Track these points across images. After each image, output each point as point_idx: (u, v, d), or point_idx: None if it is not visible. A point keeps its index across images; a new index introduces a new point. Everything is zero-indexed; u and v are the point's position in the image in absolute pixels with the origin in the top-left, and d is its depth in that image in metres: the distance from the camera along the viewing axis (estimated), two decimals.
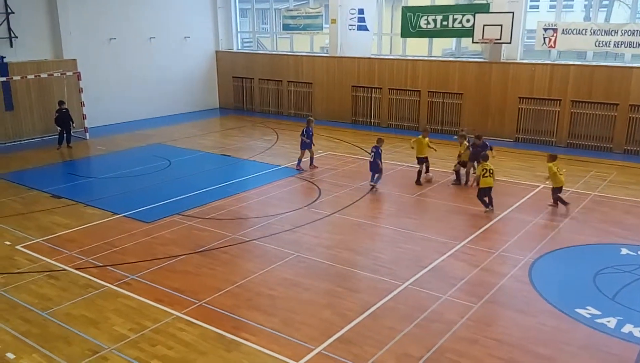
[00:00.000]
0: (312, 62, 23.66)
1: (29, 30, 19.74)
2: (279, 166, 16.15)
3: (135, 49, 23.07)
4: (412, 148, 14.46)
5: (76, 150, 18.61)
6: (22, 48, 19.53)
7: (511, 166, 15.97)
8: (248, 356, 7.10)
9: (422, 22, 20.10)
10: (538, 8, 25.60)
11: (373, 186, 13.84)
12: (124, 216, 12.19)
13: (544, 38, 17.82)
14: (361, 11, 21.68)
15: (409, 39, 21.42)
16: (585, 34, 17.21)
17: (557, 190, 12.39)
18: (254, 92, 25.73)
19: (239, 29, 26.99)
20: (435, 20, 19.83)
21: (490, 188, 12.21)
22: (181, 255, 10.16)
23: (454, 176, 14.43)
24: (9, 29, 19.17)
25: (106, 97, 21.99)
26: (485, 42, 18.80)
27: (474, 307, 8.21)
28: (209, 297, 8.58)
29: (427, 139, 14.30)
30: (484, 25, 18.34)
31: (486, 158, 12.49)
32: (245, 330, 7.67)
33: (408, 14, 20.37)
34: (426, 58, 21.15)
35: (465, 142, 14.22)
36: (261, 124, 22.79)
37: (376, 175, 13.86)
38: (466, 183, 14.07)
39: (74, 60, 20.68)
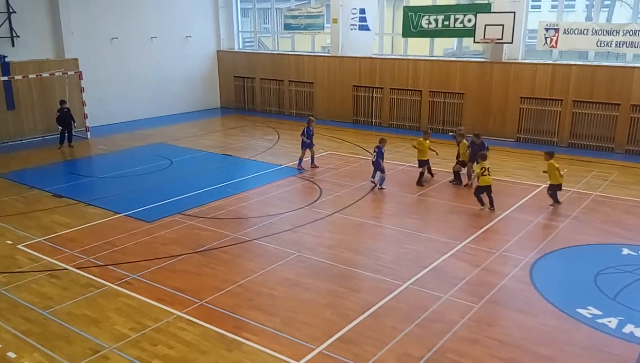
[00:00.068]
0: (313, 62, 23.65)
1: (31, 29, 19.76)
2: (280, 165, 16.16)
3: (136, 49, 23.09)
4: (414, 147, 14.44)
5: (77, 149, 18.63)
6: (23, 47, 19.55)
7: (512, 166, 15.96)
8: (249, 356, 7.10)
9: (424, 22, 20.09)
10: (539, 8, 25.61)
11: (374, 183, 13.86)
12: (125, 215, 12.20)
13: (546, 38, 17.80)
14: (362, 11, 21.67)
15: (410, 39, 21.40)
16: (587, 34, 17.19)
17: (555, 187, 12.39)
18: (255, 92, 25.73)
19: (240, 29, 26.99)
20: (436, 20, 19.83)
21: (489, 187, 12.23)
22: (182, 255, 10.16)
23: (452, 176, 14.42)
24: (11, 29, 19.19)
25: (108, 97, 22.01)
26: (487, 42, 18.79)
27: (475, 307, 8.21)
28: (210, 297, 8.58)
29: (428, 141, 14.29)
30: (486, 25, 18.33)
31: (484, 157, 12.50)
32: (246, 330, 7.68)
33: (409, 13, 20.37)
34: (427, 58, 21.13)
35: (465, 141, 14.19)
36: (262, 124, 22.80)
37: (379, 174, 13.87)
38: (466, 184, 14.03)
39: (76, 59, 20.69)
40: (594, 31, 17.08)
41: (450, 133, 16.07)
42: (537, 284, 8.92)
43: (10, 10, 19.03)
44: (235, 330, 7.66)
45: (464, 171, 14.31)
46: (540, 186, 13.82)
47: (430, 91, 20.59)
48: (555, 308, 8.21)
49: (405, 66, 21.07)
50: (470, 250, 10.24)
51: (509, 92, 19.02)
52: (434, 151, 14.43)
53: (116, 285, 9.02)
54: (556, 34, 17.60)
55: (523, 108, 18.85)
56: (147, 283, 9.06)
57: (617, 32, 16.73)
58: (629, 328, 7.64)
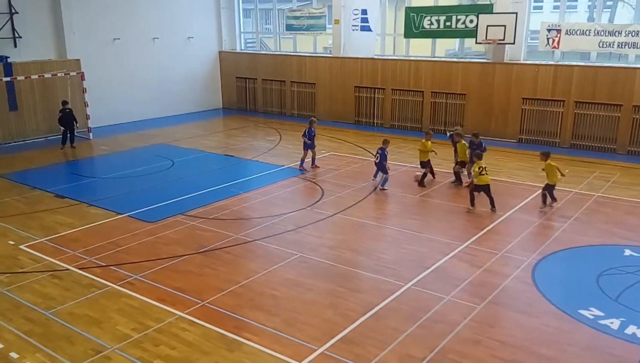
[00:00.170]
0: (315, 62, 23.67)
1: (33, 30, 19.79)
2: (282, 166, 16.17)
3: (138, 50, 23.12)
4: (420, 150, 14.40)
5: (80, 150, 18.66)
6: (26, 48, 19.58)
7: (514, 166, 15.95)
8: (250, 356, 7.11)
9: (426, 23, 20.08)
10: (542, 9, 25.60)
11: (377, 186, 13.87)
12: (127, 216, 12.21)
13: (548, 39, 17.78)
14: (364, 12, 21.67)
15: (412, 40, 21.40)
16: (589, 35, 17.17)
17: (550, 187, 12.37)
18: (257, 93, 25.75)
19: (242, 30, 27.02)
20: (438, 21, 19.82)
21: (488, 186, 12.22)
22: (184, 255, 10.17)
23: (453, 177, 14.42)
24: (13, 29, 19.22)
25: (110, 98, 22.04)
26: (489, 43, 18.78)
27: (477, 308, 8.20)
28: (212, 297, 8.59)
29: (429, 142, 14.28)
30: (488, 26, 18.33)
31: (479, 157, 12.51)
32: (247, 330, 7.68)
33: (411, 14, 20.37)
34: (429, 59, 21.13)
35: (464, 141, 14.17)
36: (264, 125, 22.81)
37: (382, 175, 13.88)
38: (468, 184, 14.03)
39: (78, 60, 20.72)
40: (596, 32, 17.06)
41: (448, 134, 16.03)
42: (539, 285, 8.91)
43: (13, 11, 19.06)
44: (237, 331, 7.66)
45: (464, 171, 14.30)
46: (542, 186, 13.77)
47: (432, 92, 20.59)
48: (557, 309, 8.20)
49: (407, 66, 21.06)
50: (472, 251, 10.24)
51: (511, 93, 19.01)
52: (433, 151, 14.41)
53: (118, 285, 9.03)
54: (558, 35, 17.59)
55: (525, 109, 18.84)
56: (149, 284, 9.07)
57: (619, 33, 16.72)
58: (631, 329, 7.63)
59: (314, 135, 15.66)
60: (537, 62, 18.88)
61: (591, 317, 7.96)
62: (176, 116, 24.53)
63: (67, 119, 18.45)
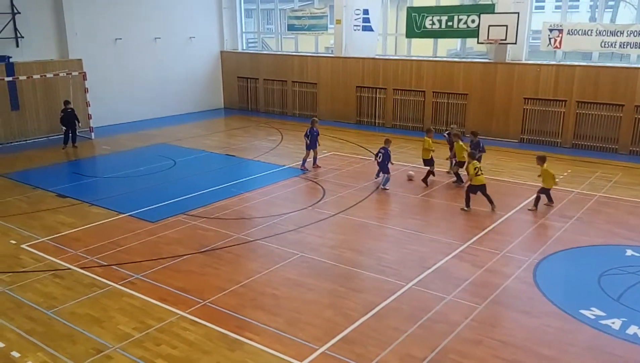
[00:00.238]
0: (316, 62, 23.67)
1: (35, 30, 19.83)
2: (283, 166, 16.17)
3: (140, 50, 23.14)
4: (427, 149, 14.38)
5: (81, 150, 18.68)
6: (28, 48, 19.62)
7: (516, 166, 15.94)
8: (252, 356, 7.11)
9: (427, 23, 20.08)
10: (543, 9, 25.57)
11: (379, 186, 13.87)
12: (128, 215, 12.23)
13: (550, 39, 17.77)
14: (366, 12, 21.66)
15: (413, 40, 21.39)
16: (591, 35, 17.16)
17: (544, 190, 12.36)
18: (259, 93, 25.76)
19: (243, 30, 27.03)
20: (440, 21, 19.82)
21: (484, 186, 12.26)
22: (185, 255, 10.18)
23: (454, 177, 14.42)
24: (15, 29, 19.25)
25: (111, 97, 22.07)
26: (491, 43, 18.78)
27: (478, 308, 8.20)
28: (213, 297, 8.59)
29: (430, 140, 14.29)
30: (489, 26, 18.32)
31: (473, 156, 12.53)
32: (249, 330, 7.69)
33: (413, 14, 20.36)
34: (431, 58, 21.13)
35: (461, 142, 14.15)
36: (266, 125, 22.82)
37: (383, 175, 13.89)
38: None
39: (80, 60, 20.75)
40: (597, 32, 17.05)
41: (445, 133, 15.98)
42: (541, 285, 8.90)
43: (15, 11, 19.10)
44: (238, 330, 7.67)
45: (463, 171, 14.29)
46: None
47: (433, 92, 20.58)
48: (559, 309, 8.19)
49: (409, 66, 21.06)
50: (473, 251, 10.23)
51: (512, 93, 19.00)
52: (432, 149, 14.37)
53: (120, 285, 9.05)
54: (560, 35, 17.58)
55: (527, 109, 18.83)
56: (150, 283, 9.08)
57: (621, 33, 16.70)
58: (632, 330, 7.62)
59: (317, 135, 15.65)
60: (538, 62, 18.87)
61: (592, 317, 7.95)
62: (177, 116, 24.55)
63: (69, 118, 18.47)
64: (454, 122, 19.98)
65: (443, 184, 14.36)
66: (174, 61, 24.37)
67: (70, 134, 18.67)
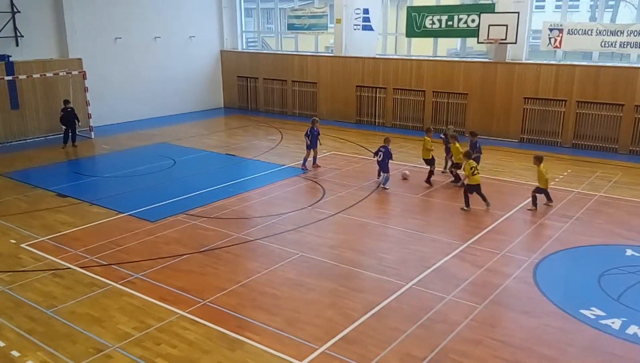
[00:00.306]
0: (316, 62, 23.66)
1: (35, 29, 19.82)
2: (283, 165, 16.17)
3: (140, 49, 23.14)
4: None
5: (81, 149, 18.67)
6: (27, 47, 19.60)
7: (516, 166, 15.93)
8: (252, 355, 7.11)
9: (427, 22, 20.07)
10: (543, 8, 25.56)
11: (380, 185, 13.88)
12: (128, 215, 12.22)
13: (550, 38, 17.76)
14: (366, 11, 21.66)
15: (413, 39, 21.39)
16: (591, 35, 17.15)
17: (540, 190, 12.36)
18: (259, 92, 25.75)
19: (243, 29, 27.02)
20: (440, 20, 19.81)
21: (479, 185, 12.32)
22: (185, 254, 10.18)
23: (452, 177, 14.43)
24: (15, 28, 19.24)
25: (111, 97, 22.06)
26: (491, 43, 18.77)
27: (478, 308, 8.20)
28: (213, 296, 8.59)
29: (430, 139, 14.27)
30: (489, 26, 18.31)
31: (469, 155, 12.54)
32: (249, 330, 7.68)
33: (413, 14, 20.35)
34: (431, 58, 21.13)
35: (457, 143, 14.14)
36: (265, 124, 22.81)
37: (385, 175, 13.89)
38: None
39: (80, 59, 20.75)
40: (598, 32, 17.04)
41: (441, 135, 15.94)
42: (541, 285, 8.90)
43: (15, 10, 19.08)
44: (238, 330, 7.66)
45: (461, 171, 14.28)
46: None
47: (433, 91, 20.58)
48: (559, 309, 8.19)
49: (409, 66, 21.06)
50: (474, 251, 10.23)
51: (512, 92, 19.00)
52: (430, 148, 14.36)
53: (119, 284, 9.04)
54: (560, 35, 17.57)
55: (527, 109, 18.83)
56: (150, 283, 9.08)
57: (621, 33, 16.69)
58: (632, 330, 7.62)
59: (318, 134, 15.65)
60: (539, 61, 18.87)
61: (592, 317, 7.95)
62: (177, 115, 24.55)
63: (69, 118, 18.46)
64: (454, 122, 19.99)
65: (443, 184, 14.36)
66: (174, 61, 24.36)
67: (70, 134, 18.66)
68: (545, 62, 18.75)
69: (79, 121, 18.88)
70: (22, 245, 10.67)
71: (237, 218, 12.09)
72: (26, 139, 19.67)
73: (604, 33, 16.95)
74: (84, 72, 20.13)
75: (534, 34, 19.42)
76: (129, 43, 22.62)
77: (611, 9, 21.19)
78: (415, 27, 20.39)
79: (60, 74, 19.67)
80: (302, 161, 15.78)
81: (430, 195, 13.53)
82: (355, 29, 22.16)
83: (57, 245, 10.67)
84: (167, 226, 11.52)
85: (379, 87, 21.90)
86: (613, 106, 17.33)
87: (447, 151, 14.77)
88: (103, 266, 9.73)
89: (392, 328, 7.67)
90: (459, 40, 21.89)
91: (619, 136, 17.41)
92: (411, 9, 20.52)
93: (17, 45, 19.35)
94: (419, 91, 20.91)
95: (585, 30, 17.27)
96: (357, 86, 22.48)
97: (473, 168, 12.23)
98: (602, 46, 17.17)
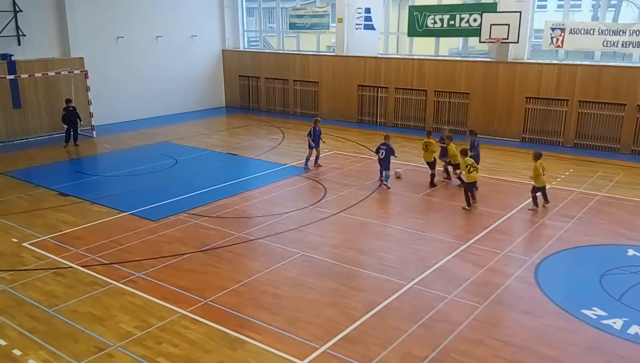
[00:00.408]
0: (318, 61, 23.66)
1: (37, 28, 19.84)
2: (285, 165, 16.17)
3: (142, 48, 23.15)
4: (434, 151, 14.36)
5: (83, 148, 18.69)
6: (29, 46, 19.62)
7: (518, 166, 15.91)
8: (253, 354, 7.11)
9: (429, 22, 20.05)
10: (545, 8, 25.47)
11: (382, 182, 13.89)
12: (130, 214, 12.23)
13: (552, 38, 17.74)
14: (368, 10, 21.65)
15: (415, 39, 21.38)
16: (593, 34, 17.12)
17: (537, 189, 12.33)
18: (260, 91, 25.75)
19: (245, 28, 27.01)
20: (442, 20, 19.79)
21: (475, 183, 12.35)
22: (187, 253, 10.19)
23: (445, 174, 14.49)
24: (17, 27, 19.26)
25: (113, 96, 22.08)
26: (493, 42, 18.75)
27: (479, 308, 8.20)
28: (215, 295, 8.60)
29: (434, 142, 14.24)
30: (491, 25, 18.30)
31: (465, 153, 12.53)
32: (250, 329, 7.69)
33: (415, 13, 20.33)
34: (433, 58, 21.11)
35: (453, 144, 14.14)
36: (267, 123, 22.82)
37: (385, 172, 13.90)
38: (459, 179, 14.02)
39: (81, 58, 20.77)
40: (600, 31, 17.01)
41: (440, 136, 15.92)
42: (542, 285, 8.89)
43: (17, 9, 19.10)
44: (240, 329, 7.67)
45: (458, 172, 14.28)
46: (545, 186, 13.75)
47: (435, 91, 20.56)
48: (560, 308, 8.19)
49: (411, 65, 21.04)
50: (475, 250, 10.22)
51: (514, 92, 18.97)
52: (428, 149, 14.33)
53: (121, 283, 9.05)
54: (562, 34, 17.55)
55: (529, 108, 18.80)
56: (151, 282, 9.09)
57: (623, 32, 16.67)
58: (634, 330, 7.62)
59: (320, 134, 15.66)
60: (540, 61, 18.84)
61: (594, 317, 7.95)
62: (179, 115, 24.56)
63: (71, 117, 18.48)
64: (456, 121, 20.03)
65: (443, 183, 14.36)
66: (175, 60, 24.37)
67: (72, 133, 18.68)
68: (547, 61, 18.73)
69: (80, 120, 18.90)
70: (24, 244, 10.69)
71: (239, 217, 12.10)
72: (28, 138, 19.70)
73: (606, 33, 16.92)
74: (86, 71, 20.15)
75: (536, 33, 19.39)
76: (130, 42, 22.63)
77: (613, 9, 21.13)
78: (417, 26, 20.37)
79: (62, 73, 19.70)
80: (304, 161, 15.78)
81: (431, 195, 13.53)
82: (357, 29, 22.15)
83: (59, 243, 10.69)
84: (169, 225, 11.53)
85: (381, 87, 21.89)
86: (615, 105, 17.30)
87: (443, 151, 14.68)
88: (105, 265, 9.75)
89: (393, 328, 7.67)
90: (460, 39, 21.87)
91: (621, 136, 17.39)
92: (413, 8, 20.51)
93: (19, 44, 19.38)
94: (421, 90, 20.90)
95: (587, 29, 17.25)
96: (358, 86, 22.47)
97: (469, 166, 12.23)
98: (604, 46, 17.14)
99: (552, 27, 17.71)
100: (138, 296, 8.60)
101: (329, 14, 23.03)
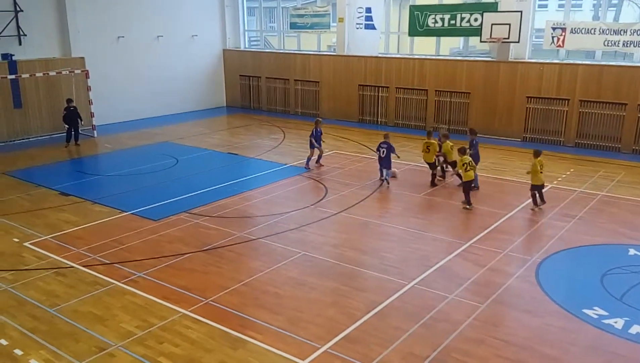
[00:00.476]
0: (319, 60, 23.65)
1: (38, 28, 19.85)
2: (286, 164, 16.17)
3: (143, 48, 23.16)
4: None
5: (84, 148, 18.70)
6: (30, 46, 19.63)
7: (518, 165, 15.88)
8: (254, 354, 7.11)
9: (430, 21, 20.04)
10: (546, 7, 25.45)
11: (383, 181, 13.89)
12: (131, 213, 12.24)
13: (553, 37, 17.73)
14: (369, 10, 21.65)
15: (416, 38, 21.38)
16: (594, 34, 17.12)
17: (535, 187, 12.30)
18: (261, 91, 25.75)
19: (246, 28, 27.02)
20: (443, 19, 19.78)
21: (471, 182, 12.36)
22: (188, 253, 10.19)
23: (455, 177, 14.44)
24: (18, 27, 19.28)
25: (114, 96, 22.09)
26: (493, 42, 18.74)
27: (480, 307, 8.19)
28: (216, 295, 8.60)
29: (435, 142, 14.22)
30: (492, 24, 18.29)
31: (464, 151, 12.52)
32: (251, 329, 7.69)
33: (416, 12, 20.33)
34: (434, 57, 21.10)
35: (449, 142, 14.12)
36: (268, 123, 22.82)
37: (385, 171, 13.90)
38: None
39: (82, 58, 20.78)
40: (601, 31, 17.00)
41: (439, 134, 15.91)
42: (543, 284, 8.89)
43: (18, 9, 19.11)
44: (241, 329, 7.67)
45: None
46: (547, 186, 13.74)
47: (436, 90, 20.55)
48: (561, 308, 8.18)
49: (411, 65, 21.04)
50: (476, 250, 10.22)
51: (515, 91, 18.96)
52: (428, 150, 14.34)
53: (122, 283, 9.06)
54: (563, 34, 17.54)
55: (529, 108, 18.79)
56: (153, 282, 9.09)
57: (624, 32, 16.65)
58: (635, 329, 7.61)
59: (321, 134, 15.66)
60: (541, 60, 18.83)
61: (595, 317, 7.94)
62: (180, 114, 24.56)
63: (72, 117, 18.50)
64: (457, 121, 20.03)
65: (444, 183, 14.35)
66: (176, 59, 24.38)
67: (73, 132, 18.69)
68: (548, 61, 18.71)
69: (81, 120, 18.91)
70: (25, 244, 10.69)
71: (240, 217, 12.10)
72: (29, 138, 19.71)
73: (607, 32, 16.91)
74: (87, 71, 20.16)
75: (537, 33, 19.38)
76: (131, 42, 22.64)
77: (614, 8, 21.10)
78: (417, 26, 20.36)
79: (63, 73, 19.71)
80: (305, 161, 15.78)
81: (432, 194, 13.53)
82: (357, 28, 22.15)
83: (60, 243, 10.69)
84: (170, 225, 11.53)
85: (382, 86, 21.88)
86: (616, 105, 17.29)
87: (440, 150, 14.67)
88: (106, 264, 9.75)
89: (394, 327, 7.67)
90: (461, 39, 21.87)
91: (622, 136, 17.37)
92: (414, 8, 20.50)
93: (20, 44, 19.40)
94: (422, 90, 20.89)
95: (588, 29, 17.24)
96: (359, 85, 22.46)
97: (466, 164, 12.23)
98: (605, 45, 17.13)
99: (553, 26, 17.70)
100: (139, 296, 8.61)
101: (329, 14, 23.03)
